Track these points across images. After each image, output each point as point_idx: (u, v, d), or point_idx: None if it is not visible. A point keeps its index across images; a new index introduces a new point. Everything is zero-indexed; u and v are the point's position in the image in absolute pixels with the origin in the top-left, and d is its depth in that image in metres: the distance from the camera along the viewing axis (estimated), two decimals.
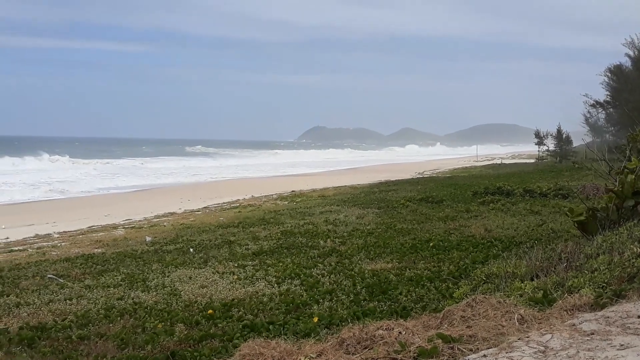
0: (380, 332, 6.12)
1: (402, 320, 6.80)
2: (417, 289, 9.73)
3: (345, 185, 36.18)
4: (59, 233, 19.84)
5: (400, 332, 5.99)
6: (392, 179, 40.18)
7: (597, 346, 4.52)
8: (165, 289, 10.63)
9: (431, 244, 13.81)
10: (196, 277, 11.44)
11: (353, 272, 11.33)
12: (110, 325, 8.59)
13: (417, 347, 5.33)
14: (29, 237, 19.08)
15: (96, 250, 15.67)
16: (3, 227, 21.76)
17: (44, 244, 17.55)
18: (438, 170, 55.71)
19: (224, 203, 28.42)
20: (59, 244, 17.24)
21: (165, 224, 20.97)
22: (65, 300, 10.11)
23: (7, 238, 19.08)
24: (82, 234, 19.32)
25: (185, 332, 7.99)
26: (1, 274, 12.72)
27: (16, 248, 16.91)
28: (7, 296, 10.59)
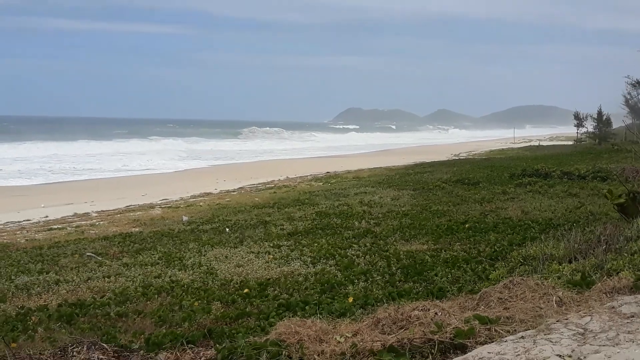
0: (416, 312, 6.10)
1: (437, 301, 6.76)
2: (452, 271, 9.68)
3: (380, 167, 36.08)
4: (97, 212, 20.12)
5: (436, 313, 5.96)
6: (427, 161, 39.96)
7: (638, 329, 4.44)
8: (202, 267, 10.73)
9: (467, 226, 13.71)
10: (232, 256, 11.52)
11: (388, 253, 11.30)
12: (148, 302, 8.70)
13: (453, 328, 5.30)
14: (67, 216, 19.39)
15: (133, 229, 15.86)
16: (42, 205, 22.11)
17: (83, 222, 17.82)
18: (474, 152, 55.20)
19: (259, 184, 28.54)
20: (97, 223, 17.48)
21: (201, 204, 21.14)
22: (103, 277, 10.26)
23: (47, 217, 19.40)
24: (120, 213, 19.57)
25: (222, 310, 8.06)
26: (41, 252, 12.96)
27: (55, 226, 17.20)
28: (47, 273, 10.79)
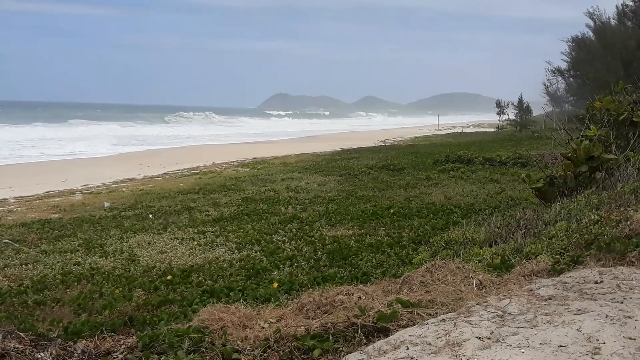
0: (340, 297, 6.12)
1: (362, 285, 6.81)
2: (377, 255, 9.78)
3: (307, 153, 36.13)
4: (15, 198, 19.44)
5: (360, 297, 6.00)
6: (353, 147, 40.23)
7: (555, 311, 4.57)
8: (124, 254, 10.51)
9: (392, 211, 13.87)
10: (155, 242, 11.32)
11: (314, 239, 11.32)
12: (67, 290, 8.47)
13: (376, 312, 5.34)
14: None
15: (53, 215, 15.40)
16: None
17: (0, 208, 17.20)
18: (399, 139, 55.89)
19: (184, 169, 28.14)
20: (14, 209, 16.90)
21: (124, 189, 20.71)
22: (21, 265, 9.94)
23: None
24: (39, 199, 18.96)
25: (144, 298, 7.92)
26: None
27: None
28: None
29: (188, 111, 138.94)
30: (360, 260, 9.56)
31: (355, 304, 5.76)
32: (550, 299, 4.92)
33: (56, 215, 15.31)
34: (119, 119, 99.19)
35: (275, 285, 7.96)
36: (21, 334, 6.26)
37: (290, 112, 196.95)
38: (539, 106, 60.28)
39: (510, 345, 3.95)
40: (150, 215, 14.55)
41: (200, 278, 8.82)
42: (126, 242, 11.42)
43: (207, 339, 5.47)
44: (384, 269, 8.89)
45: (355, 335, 5.09)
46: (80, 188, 21.71)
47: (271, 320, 5.90)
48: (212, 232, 12.25)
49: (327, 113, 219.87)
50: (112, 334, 6.17)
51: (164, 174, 26.54)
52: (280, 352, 5.06)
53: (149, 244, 11.24)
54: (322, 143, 48.22)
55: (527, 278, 5.82)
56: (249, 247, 10.81)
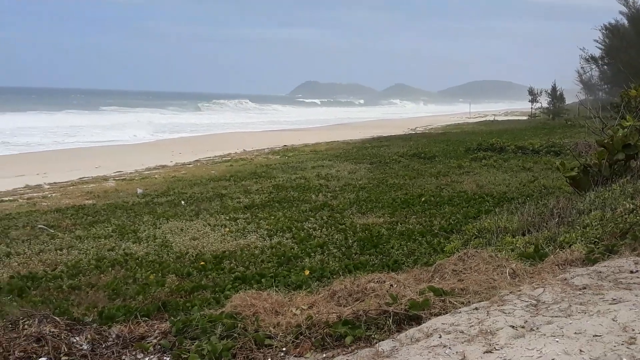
0: (372, 284, 6.12)
1: (393, 273, 6.80)
2: (408, 243, 9.75)
3: (338, 141, 36.09)
4: (49, 184, 19.72)
5: (391, 285, 5.99)
6: (384, 135, 40.08)
7: (589, 300, 4.52)
8: (157, 240, 10.61)
9: (423, 199, 13.81)
10: (187, 229, 11.42)
11: (345, 226, 11.33)
12: (101, 275, 8.58)
13: (408, 300, 5.33)
14: (19, 188, 18.96)
15: (87, 201, 15.60)
16: None
17: (35, 194, 17.46)
18: (430, 127, 55.58)
19: (215, 157, 28.30)
20: (49, 195, 17.15)
21: (156, 176, 20.90)
22: (55, 250, 10.08)
23: None
24: (73, 185, 19.22)
25: (177, 283, 7.99)
26: None
27: (6, 198, 16.81)
28: None
29: (220, 99, 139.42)
30: (392, 248, 9.54)
31: (387, 291, 5.76)
32: (585, 288, 4.87)
33: (90, 201, 15.50)
34: (151, 106, 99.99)
35: (307, 272, 7.99)
36: (56, 318, 6.36)
37: (324, 100, 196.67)
38: (573, 94, 59.44)
39: (545, 334, 3.92)
40: (183, 202, 14.67)
41: (232, 264, 8.88)
42: (159, 228, 11.53)
43: (239, 324, 5.51)
44: (416, 257, 8.87)
45: (387, 322, 5.09)
46: (113, 174, 21.96)
47: (303, 307, 5.92)
48: (244, 219, 12.31)
49: (361, 101, 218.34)
50: (146, 318, 6.24)
51: (196, 161, 26.73)
52: (312, 338, 5.08)
53: (182, 230, 11.34)
54: (353, 131, 48.13)
55: (561, 267, 5.76)
56: (280, 234, 10.84)
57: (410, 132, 46.71)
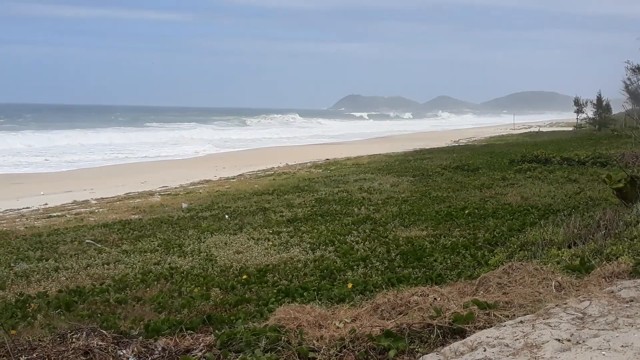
0: (415, 298, 6.10)
1: (437, 286, 6.77)
2: (452, 256, 9.68)
3: (380, 154, 36.04)
4: (96, 199, 20.10)
5: (435, 299, 5.96)
6: (426, 147, 39.90)
7: (637, 313, 4.44)
8: (201, 254, 10.73)
9: (466, 212, 13.71)
10: (231, 243, 11.52)
11: (387, 239, 11.30)
12: (147, 289, 8.71)
13: (452, 313, 5.30)
14: (67, 204, 19.37)
15: (133, 216, 15.85)
16: (42, 193, 22.10)
17: (82, 210, 17.82)
18: (474, 139, 55.12)
19: (258, 171, 28.51)
20: (96, 210, 17.48)
21: (200, 191, 21.14)
22: (103, 264, 10.26)
23: (46, 204, 19.39)
24: (119, 201, 19.56)
25: (221, 297, 8.07)
26: (40, 239, 12.95)
27: (54, 214, 17.19)
28: (46, 260, 10.79)
29: (262, 113, 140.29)
30: (435, 261, 9.49)
31: (431, 305, 5.74)
32: (632, 300, 4.79)
33: (136, 216, 15.75)
34: (197, 121, 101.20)
35: (350, 285, 7.99)
36: (104, 331, 6.47)
37: (371, 113, 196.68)
38: (619, 104, 58.35)
39: (591, 348, 3.87)
40: (227, 216, 14.80)
41: (275, 278, 8.93)
42: (203, 242, 11.66)
43: (283, 338, 5.54)
44: (459, 270, 8.81)
45: (431, 336, 5.07)
46: (158, 189, 22.27)
47: (346, 320, 5.92)
48: (287, 232, 12.37)
49: (410, 115, 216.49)
50: (191, 332, 6.31)
51: (239, 175, 26.97)
52: (356, 351, 5.08)
53: (226, 244, 11.45)
54: (394, 143, 48.01)
55: (607, 280, 5.67)
56: (323, 247, 10.87)
57: (453, 144, 46.41)
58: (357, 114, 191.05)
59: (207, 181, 24.95)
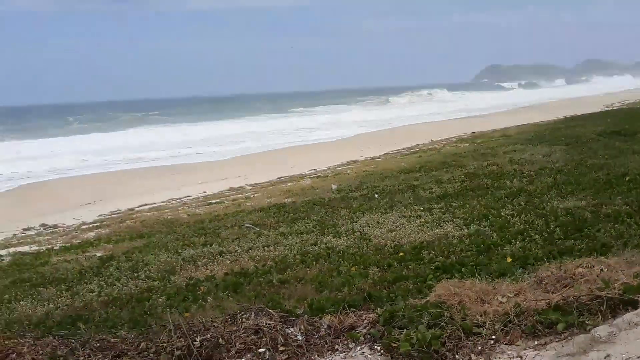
0: (580, 270, 5.94)
1: (602, 257, 6.54)
2: (615, 226, 9.24)
3: (528, 124, 34.89)
4: (250, 185, 20.89)
5: (601, 270, 5.78)
6: (577, 114, 38.15)
7: None
8: (355, 233, 10.90)
9: (627, 179, 13.01)
10: (383, 221, 11.61)
11: (545, 211, 10.95)
12: (307, 269, 8.97)
13: (621, 284, 5.13)
14: (224, 191, 20.30)
15: (286, 199, 16.34)
16: (200, 182, 23.25)
17: (238, 196, 18.59)
18: (629, 102, 52.08)
19: (403, 149, 28.49)
20: (252, 195, 18.18)
21: (348, 172, 21.43)
22: (263, 247, 10.66)
23: (205, 192, 20.41)
24: (272, 185, 20.23)
25: (379, 275, 8.17)
26: (203, 225, 13.67)
27: (214, 201, 18.06)
28: (211, 245, 11.36)
29: (404, 91, 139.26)
30: (597, 231, 9.10)
31: (597, 276, 5.57)
32: None
33: (289, 199, 16.23)
34: (341, 103, 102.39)
35: (509, 259, 7.86)
36: (271, 311, 6.76)
37: (514, 83, 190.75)
38: None
39: None
40: (376, 195, 14.93)
41: (431, 255, 8.92)
42: (356, 222, 11.83)
43: (445, 313, 5.56)
44: (625, 239, 8.40)
45: (601, 308, 4.92)
46: (308, 173, 22.82)
47: (509, 294, 5.86)
48: (438, 209, 12.29)
49: (562, 81, 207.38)
50: (354, 309, 6.46)
51: (384, 154, 27.07)
52: (522, 326, 5.03)
53: (378, 222, 11.55)
54: (542, 113, 46.24)
55: None
56: (477, 222, 10.71)
57: (606, 108, 44.09)
58: (506, 85, 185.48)
59: (354, 162, 25.25)
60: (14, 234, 16.68)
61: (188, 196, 19.91)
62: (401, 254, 9.08)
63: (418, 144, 29.78)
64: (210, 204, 17.50)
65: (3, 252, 13.81)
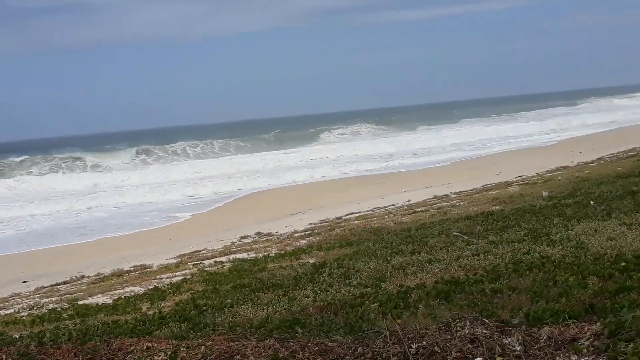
0: None
1: None
2: None
3: None
4: (455, 193, 20.70)
5: None
6: None
7: None
8: (571, 242, 10.40)
9: None
10: (601, 229, 10.97)
11: None
12: (520, 279, 8.68)
13: None
14: (428, 199, 20.29)
15: (494, 207, 15.97)
16: (404, 190, 23.44)
17: (443, 204, 18.47)
18: None
19: (619, 152, 26.81)
20: (457, 204, 17.98)
21: (559, 177, 20.53)
22: (472, 255, 10.48)
23: (409, 200, 20.54)
24: (478, 193, 19.88)
25: (599, 285, 7.74)
26: (409, 234, 13.72)
27: (418, 209, 18.10)
28: (418, 253, 11.36)
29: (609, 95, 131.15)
30: None
31: None
32: None
33: (497, 207, 15.86)
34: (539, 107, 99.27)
35: None
36: (486, 320, 6.64)
37: None
38: None
39: None
40: (592, 202, 14.16)
41: None
42: (571, 230, 11.29)
43: None
44: None
45: None
46: (515, 179, 22.17)
47: None
48: None
49: None
50: (574, 320, 6.18)
51: (598, 159, 25.66)
52: None
53: (595, 230, 10.94)
54: None
55: None
56: None
57: None
58: None
59: (565, 167, 24.18)
60: (232, 242, 17.78)
61: (392, 204, 20.12)
62: (623, 263, 8.53)
63: (635, 147, 27.85)
64: (415, 212, 17.55)
65: (224, 259, 14.75)
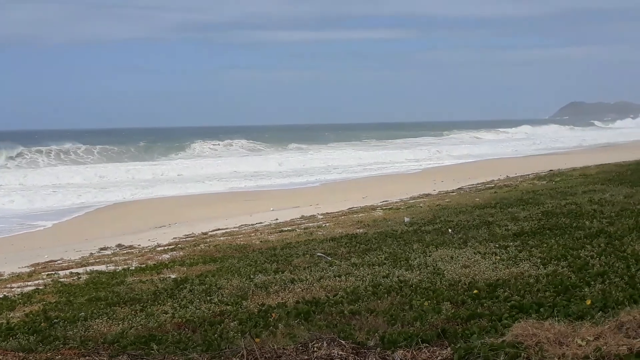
0: None
1: None
2: None
3: (609, 163, 33.90)
4: (322, 214, 20.96)
5: None
6: None
7: None
8: (428, 268, 10.77)
9: None
10: (457, 257, 11.44)
11: (626, 254, 10.59)
12: (379, 301, 8.88)
13: None
14: (295, 218, 20.42)
15: (358, 230, 16.31)
16: (272, 209, 23.50)
17: (310, 224, 18.66)
18: None
19: (478, 184, 28.12)
20: (323, 225, 18.21)
21: (421, 205, 21.24)
22: (334, 277, 10.63)
23: (277, 219, 20.59)
24: (344, 215, 20.22)
25: (452, 311, 8.04)
26: (275, 252, 13.75)
27: (285, 228, 18.18)
28: (282, 272, 11.41)
29: (475, 128, 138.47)
30: None
31: None
32: None
33: (361, 230, 16.20)
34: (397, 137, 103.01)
35: (589, 302, 7.61)
36: (342, 341, 6.75)
37: (593, 122, 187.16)
38: None
39: None
40: (450, 230, 14.74)
41: (506, 293, 8.72)
42: (429, 256, 11.70)
43: (522, 354, 5.45)
44: None
45: None
46: (379, 204, 22.73)
47: (588, 338, 5.71)
48: (514, 246, 12.03)
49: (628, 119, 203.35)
50: (427, 344, 6.39)
51: (459, 188, 26.77)
52: None
53: (452, 258, 11.39)
54: (626, 152, 44.96)
55: None
56: (555, 262, 10.42)
57: None
58: (589, 122, 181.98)
59: (427, 195, 25.05)
60: (91, 253, 17.16)
61: (260, 222, 20.12)
62: (475, 291, 8.91)
63: (493, 180, 29.35)
64: (282, 231, 17.62)
65: (80, 270, 14.19)
